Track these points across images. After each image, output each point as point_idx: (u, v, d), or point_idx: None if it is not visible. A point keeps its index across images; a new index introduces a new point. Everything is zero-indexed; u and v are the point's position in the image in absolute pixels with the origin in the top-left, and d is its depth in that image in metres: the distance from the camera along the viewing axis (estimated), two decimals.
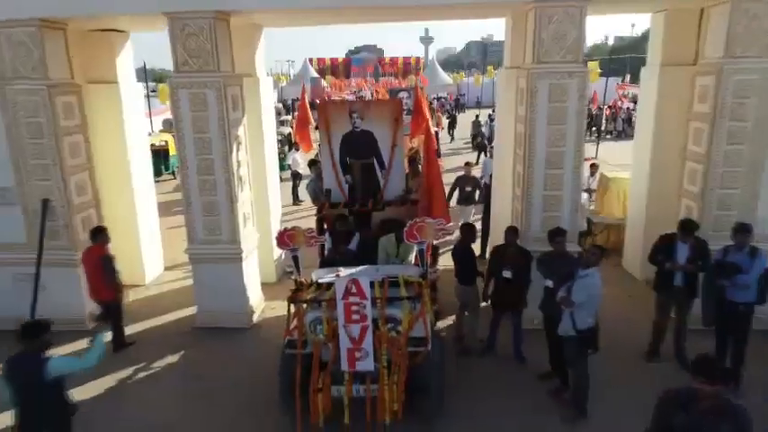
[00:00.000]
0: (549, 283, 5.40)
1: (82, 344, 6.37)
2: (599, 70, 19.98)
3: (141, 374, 6.19)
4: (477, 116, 22.26)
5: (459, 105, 39.59)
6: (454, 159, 19.29)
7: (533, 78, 6.15)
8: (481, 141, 18.43)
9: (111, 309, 6.46)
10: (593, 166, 10.42)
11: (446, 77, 46.95)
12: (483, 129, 19.25)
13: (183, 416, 5.43)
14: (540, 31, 6.04)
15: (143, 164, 8.68)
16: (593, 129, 23.29)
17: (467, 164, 9.67)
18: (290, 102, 38.48)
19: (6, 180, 6.81)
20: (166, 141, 16.57)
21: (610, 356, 5.95)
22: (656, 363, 6.04)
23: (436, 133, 19.20)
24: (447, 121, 24.44)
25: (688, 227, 5.69)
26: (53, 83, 6.55)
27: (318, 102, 10.30)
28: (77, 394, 5.25)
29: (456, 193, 9.40)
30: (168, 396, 5.81)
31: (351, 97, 40.31)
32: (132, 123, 8.23)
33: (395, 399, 4.69)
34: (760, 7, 5.85)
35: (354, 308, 4.62)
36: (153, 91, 24.48)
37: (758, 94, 6.04)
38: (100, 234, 6.37)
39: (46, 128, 6.58)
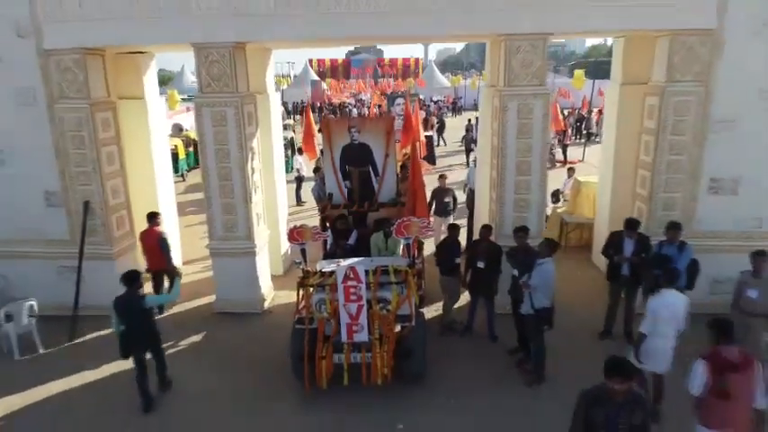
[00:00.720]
0: (515, 272, 6.49)
1: (106, 342, 7.48)
2: (584, 78, 21.06)
3: (172, 351, 7.27)
4: (469, 120, 23.30)
5: (457, 108, 40.69)
6: (446, 160, 20.44)
7: (504, 99, 7.24)
8: (467, 144, 19.57)
9: (169, 276, 7.99)
10: (570, 170, 11.51)
11: (444, 80, 47.96)
12: (471, 132, 20.38)
13: (219, 384, 6.49)
14: (510, 59, 7.14)
15: (165, 170, 9.76)
16: (585, 132, 24.34)
17: (441, 176, 10.41)
18: (290, 105, 39.47)
19: (54, 185, 7.89)
20: (176, 146, 17.67)
21: (571, 335, 7.10)
22: (609, 340, 7.14)
23: (431, 138, 20.30)
24: (437, 125, 25.50)
25: (632, 225, 6.79)
26: (93, 101, 7.63)
27: (321, 119, 11.39)
28: (121, 365, 6.39)
29: (434, 205, 10.04)
30: (200, 368, 6.88)
31: (350, 100, 41.49)
32: (156, 134, 9.32)
33: (385, 364, 5.78)
34: (694, 40, 6.93)
35: (352, 290, 5.72)
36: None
37: (694, 113, 7.13)
38: (155, 217, 8.03)
39: (87, 140, 7.66)
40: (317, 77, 48.63)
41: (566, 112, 24.39)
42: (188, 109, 21.10)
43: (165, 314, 8.27)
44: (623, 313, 7.18)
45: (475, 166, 10.70)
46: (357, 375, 5.82)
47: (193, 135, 18.41)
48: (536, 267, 6.02)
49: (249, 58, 7.95)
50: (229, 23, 7.12)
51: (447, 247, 7.28)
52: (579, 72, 20.55)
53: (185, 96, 25.01)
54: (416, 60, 63.43)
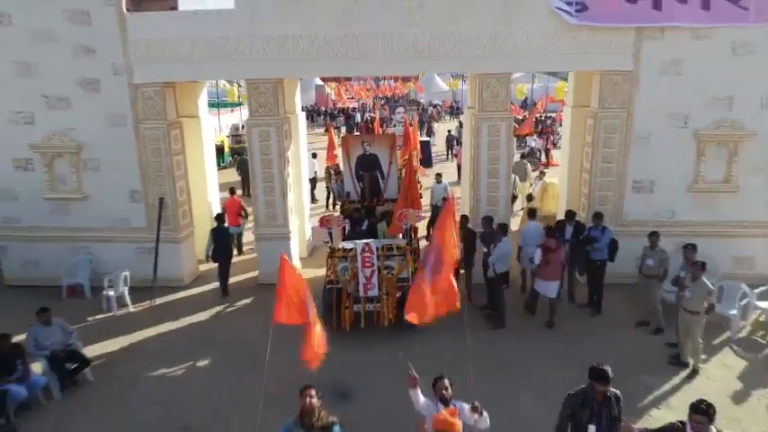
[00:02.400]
0: (485, 249, 8.94)
1: (181, 295, 10.00)
2: (566, 89, 23.46)
3: (230, 309, 9.73)
4: (459, 122, 26.06)
5: (455, 111, 43.04)
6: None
7: (478, 120, 9.69)
8: (449, 143, 23.35)
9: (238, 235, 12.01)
10: (541, 174, 13.95)
11: (442, 85, 50.27)
12: (453, 132, 23.30)
13: (266, 330, 8.89)
14: (482, 91, 9.58)
15: (213, 173, 12.21)
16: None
17: (438, 175, 13.05)
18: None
19: (136, 185, 10.31)
20: (222, 141, 21.80)
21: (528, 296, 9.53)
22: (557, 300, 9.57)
23: (428, 143, 22.80)
24: (426, 129, 28.12)
25: (570, 215, 9.26)
26: (168, 122, 10.07)
27: (342, 138, 14.12)
28: (190, 320, 8.85)
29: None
30: (254, 322, 9.28)
31: (353, 104, 43.91)
32: (208, 145, 11.76)
33: (390, 312, 8.22)
34: (618, 77, 9.37)
35: (367, 260, 8.17)
36: None
37: (619, 131, 9.57)
38: (234, 192, 11.98)
39: (163, 151, 10.09)
40: (321, 82, 50.84)
41: (548, 121, 26.78)
42: (231, 111, 28.08)
43: (232, 280, 10.67)
44: (570, 280, 9.61)
45: (439, 182, 12.86)
46: (370, 320, 8.26)
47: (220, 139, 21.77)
48: (498, 244, 8.48)
49: (285, 87, 10.39)
50: (273, 65, 9.55)
51: None
52: (562, 83, 22.97)
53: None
54: None
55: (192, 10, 9.67)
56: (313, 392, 4.51)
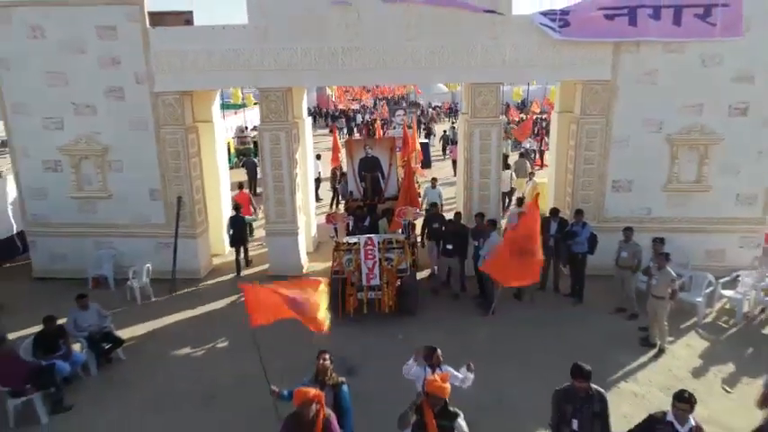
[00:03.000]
0: (476, 243, 9.83)
1: (198, 286, 10.88)
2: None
3: (243, 299, 10.58)
4: (452, 123, 27.16)
5: (454, 113, 43.91)
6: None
7: (470, 126, 10.59)
8: (444, 142, 25.19)
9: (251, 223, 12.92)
10: (531, 174, 14.85)
11: (441, 86, 51.13)
12: (447, 132, 24.62)
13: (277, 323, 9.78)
14: (474, 98, 10.48)
15: (225, 173, 13.11)
16: None
17: (433, 179, 13.76)
18: None
19: (156, 185, 11.19)
20: (228, 143, 22.10)
21: (517, 288, 10.41)
22: (543, 291, 10.44)
23: (427, 144, 23.69)
24: (424, 132, 29.04)
25: (554, 212, 10.15)
26: (186, 127, 10.96)
27: (346, 141, 14.95)
28: (208, 308, 9.73)
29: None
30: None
31: (355, 105, 44.80)
32: (220, 148, 12.65)
33: (390, 299, 9.11)
34: (598, 87, 10.27)
35: (370, 252, 9.06)
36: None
37: (600, 136, 10.46)
38: (243, 186, 12.98)
39: (182, 154, 10.98)
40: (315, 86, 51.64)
41: (543, 123, 27.68)
42: (235, 113, 29.10)
43: (231, 276, 11.61)
44: (555, 272, 10.50)
45: (433, 188, 13.34)
46: (372, 307, 9.16)
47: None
48: (487, 238, 9.38)
49: (293, 95, 11.28)
50: (283, 75, 10.43)
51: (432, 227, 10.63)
52: (554, 87, 23.81)
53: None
54: None
55: (208, 25, 10.53)
56: (327, 356, 5.40)
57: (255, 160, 19.97)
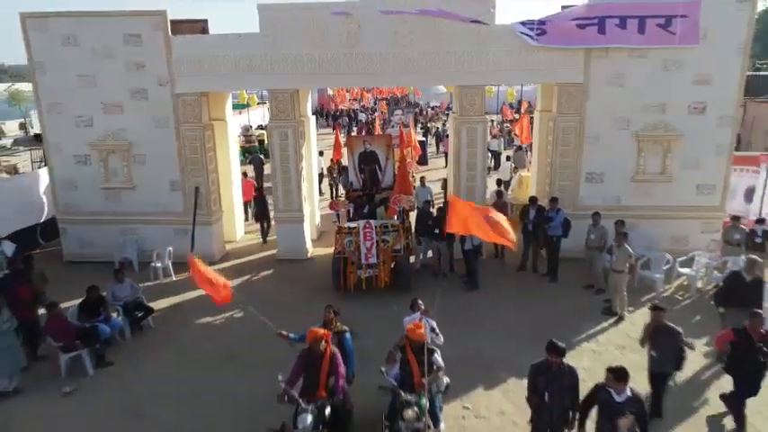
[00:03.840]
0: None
1: (213, 268, 12.10)
2: None
3: (255, 278, 11.85)
4: (444, 121, 28.52)
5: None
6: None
7: (458, 123, 11.81)
8: (437, 138, 27.25)
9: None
10: (516, 169, 16.07)
11: (440, 87, 52.30)
12: (440, 129, 26.43)
13: (286, 291, 11.02)
14: (462, 99, 11.71)
15: (236, 167, 14.34)
16: None
17: (422, 178, 14.91)
18: None
19: (176, 177, 12.42)
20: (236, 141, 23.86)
21: (500, 268, 11.66)
22: (522, 272, 11.68)
23: (424, 142, 24.92)
24: (422, 131, 30.33)
25: (533, 200, 11.37)
26: (203, 124, 12.19)
27: (347, 138, 16.07)
28: (233, 282, 10.94)
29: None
30: (274, 286, 11.41)
31: (355, 106, 46.03)
32: (233, 144, 13.88)
33: (386, 276, 10.33)
34: (572, 88, 11.46)
35: (368, 234, 10.28)
36: None
37: (574, 132, 11.68)
38: (246, 175, 13.98)
39: (199, 149, 12.21)
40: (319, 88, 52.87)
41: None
42: (240, 112, 29.48)
43: (244, 260, 12.84)
44: (534, 254, 11.73)
45: (423, 186, 14.22)
46: (370, 283, 10.38)
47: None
48: None
49: (299, 96, 12.51)
50: (290, 78, 11.66)
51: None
52: None
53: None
54: None
55: (223, 34, 11.77)
56: (332, 309, 6.62)
57: (261, 157, 21.22)
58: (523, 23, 11.13)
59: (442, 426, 6.14)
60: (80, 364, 8.18)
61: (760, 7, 54.53)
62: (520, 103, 38.91)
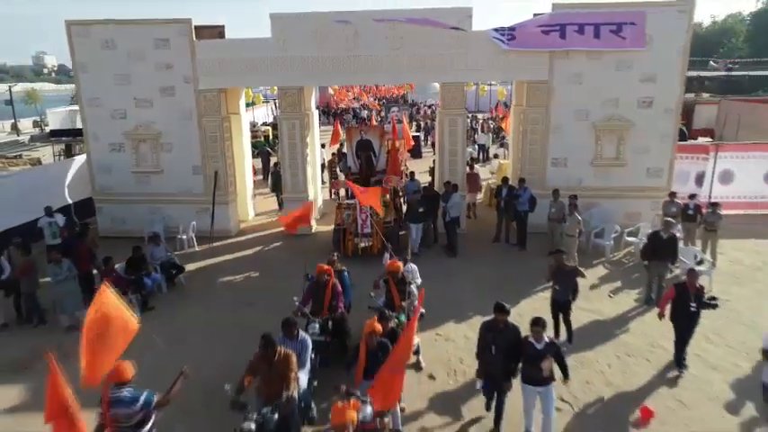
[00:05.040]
0: (444, 204, 12.97)
1: (230, 241, 14.05)
2: None
3: (267, 249, 13.78)
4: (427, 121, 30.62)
5: None
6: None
7: (443, 115, 13.75)
8: (426, 131, 29.67)
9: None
10: (495, 156, 18.01)
11: (436, 86, 54.31)
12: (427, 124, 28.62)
13: (294, 261, 12.93)
14: (445, 94, 13.64)
15: (248, 155, 16.27)
16: None
17: (411, 173, 16.92)
18: None
19: (197, 162, 14.33)
20: None
21: (478, 239, 13.60)
22: (496, 243, 13.61)
23: (418, 137, 26.89)
24: (416, 126, 32.42)
25: (504, 180, 13.31)
26: (222, 117, 14.12)
27: (346, 129, 17.97)
28: (248, 252, 12.88)
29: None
30: (283, 256, 13.32)
31: (355, 105, 47.99)
32: (245, 135, 15.80)
33: (378, 244, 12.26)
34: (539, 85, 13.37)
35: (363, 209, 12.22)
36: None
37: (541, 123, 13.60)
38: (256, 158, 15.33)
39: (218, 138, 14.14)
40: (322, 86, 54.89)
41: None
42: (246, 110, 31.10)
43: (258, 235, 14.76)
44: (506, 228, 13.64)
45: (412, 180, 15.37)
46: (365, 251, 12.29)
47: None
48: (451, 198, 12.54)
49: (305, 92, 14.43)
50: (297, 77, 13.59)
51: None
52: None
53: None
54: None
55: (240, 38, 13.73)
56: (334, 254, 8.55)
57: (268, 149, 23.15)
58: (496, 30, 13.06)
59: (417, 339, 8.06)
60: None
61: (758, 7, 56.62)
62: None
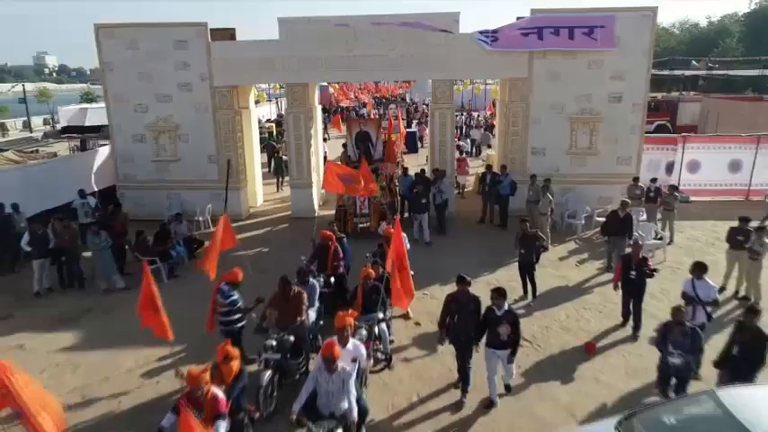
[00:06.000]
0: (434, 190, 14.47)
1: (242, 223, 15.59)
2: None
3: (276, 229, 15.30)
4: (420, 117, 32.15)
5: None
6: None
7: (434, 109, 15.28)
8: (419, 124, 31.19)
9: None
10: (489, 146, 19.51)
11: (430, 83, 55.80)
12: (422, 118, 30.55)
13: (299, 240, 14.44)
14: (436, 90, 15.16)
15: (257, 146, 17.80)
16: None
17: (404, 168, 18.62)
18: None
19: (212, 151, 15.85)
20: None
21: (465, 220, 15.12)
22: (481, 224, 15.12)
23: (414, 133, 28.42)
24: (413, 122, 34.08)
25: (488, 168, 14.86)
26: (234, 111, 15.64)
27: (348, 122, 19.53)
28: (259, 232, 14.42)
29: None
30: (289, 235, 14.83)
31: (355, 104, 49.55)
32: (255, 127, 17.33)
33: (375, 223, 13.76)
34: (519, 82, 14.90)
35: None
36: None
37: (521, 116, 15.12)
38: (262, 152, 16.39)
39: (231, 130, 15.65)
40: (325, 83, 56.44)
41: None
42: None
43: (267, 219, 16.29)
44: (490, 210, 15.16)
45: (405, 175, 16.36)
46: (363, 230, 13.79)
47: None
48: (441, 184, 14.06)
49: (309, 88, 15.95)
50: (303, 74, 15.10)
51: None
52: None
53: None
54: None
55: (251, 40, 15.26)
56: (334, 225, 10.06)
57: (274, 143, 24.66)
58: (481, 32, 14.57)
59: None
60: (158, 274, 11.62)
61: (752, 7, 57.96)
62: None
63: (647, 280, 8.75)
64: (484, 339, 6.94)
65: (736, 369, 6.05)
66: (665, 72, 44.27)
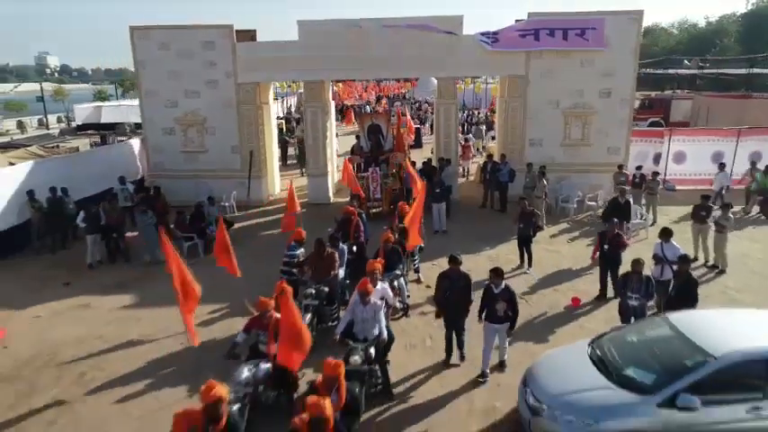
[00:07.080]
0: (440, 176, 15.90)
1: (263, 209, 17.06)
2: None
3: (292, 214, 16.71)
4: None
5: None
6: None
7: (439, 105, 16.70)
8: (420, 120, 33.37)
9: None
10: (493, 138, 20.92)
11: (434, 83, 57.19)
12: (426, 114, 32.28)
13: (316, 223, 15.87)
14: (441, 87, 16.59)
15: (276, 139, 19.22)
16: None
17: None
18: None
19: (235, 143, 17.27)
20: None
21: (469, 206, 16.56)
22: (483, 209, 16.54)
23: (419, 129, 29.92)
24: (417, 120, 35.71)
25: (489, 157, 16.29)
26: (256, 105, 17.07)
27: (360, 116, 20.99)
28: (278, 216, 15.90)
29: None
30: (306, 219, 16.23)
31: (359, 103, 51.01)
32: (273, 121, 18.77)
33: (387, 206, 15.20)
34: (518, 79, 16.32)
35: (375, 177, 15.19)
36: None
37: (519, 110, 16.54)
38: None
39: (254, 123, 17.09)
40: (339, 80, 57.86)
41: None
42: None
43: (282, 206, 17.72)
44: (491, 196, 16.58)
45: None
46: (377, 214, 15.21)
47: None
48: (446, 170, 15.49)
49: (324, 85, 17.37)
50: (319, 72, 16.53)
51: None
52: None
53: None
54: None
55: (273, 41, 16.69)
56: (354, 202, 11.50)
57: (286, 138, 26.10)
58: (483, 34, 16.00)
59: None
60: (195, 249, 13.07)
61: (749, 7, 59.24)
62: None
63: (624, 253, 10.05)
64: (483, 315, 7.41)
65: (675, 307, 7.21)
66: (660, 71, 45.60)
